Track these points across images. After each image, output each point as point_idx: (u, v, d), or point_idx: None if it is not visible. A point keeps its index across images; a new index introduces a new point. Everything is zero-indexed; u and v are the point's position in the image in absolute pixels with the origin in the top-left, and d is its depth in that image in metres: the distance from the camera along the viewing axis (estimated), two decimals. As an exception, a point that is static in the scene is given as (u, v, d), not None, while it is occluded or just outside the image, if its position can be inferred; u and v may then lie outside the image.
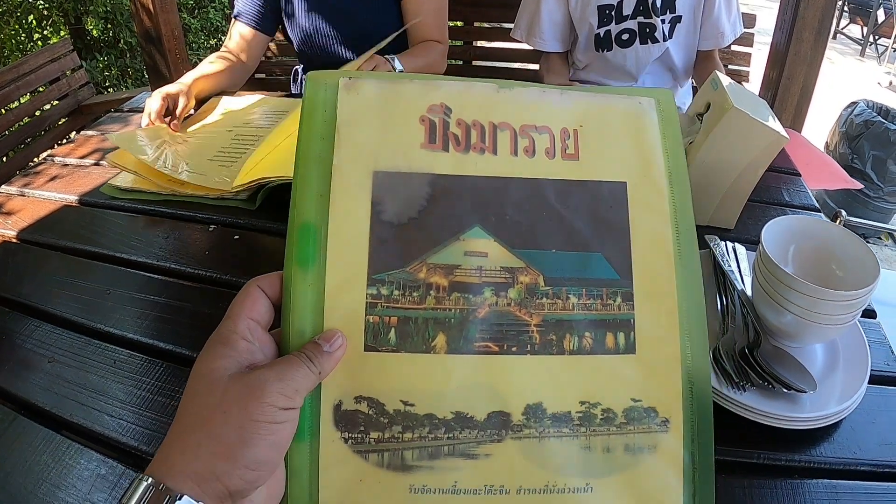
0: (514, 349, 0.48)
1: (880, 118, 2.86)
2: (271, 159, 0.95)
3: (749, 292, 0.68)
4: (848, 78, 5.30)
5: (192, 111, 1.22)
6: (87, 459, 0.56)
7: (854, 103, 3.01)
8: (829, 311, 0.58)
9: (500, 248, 0.50)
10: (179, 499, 0.37)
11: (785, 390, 0.58)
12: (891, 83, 5.27)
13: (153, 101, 1.13)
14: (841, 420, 0.60)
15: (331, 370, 0.45)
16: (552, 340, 0.49)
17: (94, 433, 0.59)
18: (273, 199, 0.93)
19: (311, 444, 0.46)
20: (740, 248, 0.76)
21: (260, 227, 0.89)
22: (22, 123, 2.04)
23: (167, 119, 1.14)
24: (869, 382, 0.61)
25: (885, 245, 2.96)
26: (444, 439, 0.46)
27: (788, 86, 1.59)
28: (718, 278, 0.71)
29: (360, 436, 0.46)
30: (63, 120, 2.14)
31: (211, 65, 1.34)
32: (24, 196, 1.03)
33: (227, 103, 1.25)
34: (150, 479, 0.38)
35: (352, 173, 0.50)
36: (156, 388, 0.63)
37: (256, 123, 1.15)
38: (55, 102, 2.10)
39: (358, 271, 0.48)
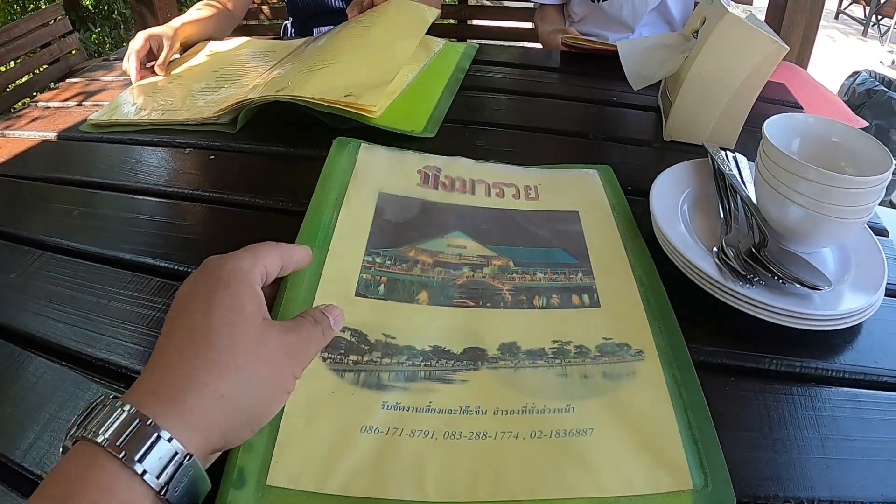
0: (488, 305, 0.54)
1: (883, 87, 2.83)
2: (259, 85, 0.92)
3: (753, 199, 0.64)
4: (850, 57, 5.26)
5: (177, 55, 1.19)
6: (40, 368, 0.52)
7: (856, 73, 2.98)
8: (839, 200, 0.54)
9: (477, 245, 0.61)
10: (188, 458, 0.34)
11: (797, 286, 0.53)
12: (893, 62, 5.23)
13: (136, 41, 1.09)
14: (858, 329, 0.56)
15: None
16: (523, 300, 0.55)
17: (47, 342, 0.55)
18: (255, 121, 0.90)
19: None
20: (741, 158, 0.72)
21: (237, 147, 0.85)
22: (11, 88, 2.01)
23: (150, 64, 1.11)
24: (885, 296, 0.57)
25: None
26: (422, 366, 0.48)
27: (789, 35, 1.56)
28: (718, 183, 0.67)
29: (339, 357, 0.47)
30: (53, 84, 2.11)
31: (198, 11, 1.31)
32: (4, 137, 1.00)
33: (214, 46, 1.22)
34: (152, 423, 0.33)
35: (362, 190, 0.65)
36: (111, 295, 0.60)
37: (242, 63, 1.12)
38: (45, 67, 2.07)
39: (358, 245, 0.58)
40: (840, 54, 5.30)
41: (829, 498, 0.43)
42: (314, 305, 0.52)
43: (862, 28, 6.08)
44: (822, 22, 1.70)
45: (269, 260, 0.46)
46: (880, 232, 0.71)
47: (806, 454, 0.46)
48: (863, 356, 0.54)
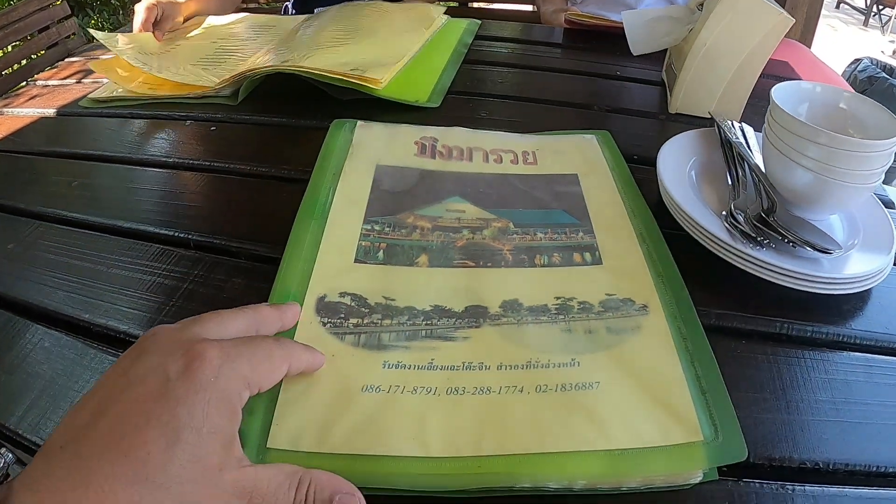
0: (489, 265, 0.54)
1: (885, 74, 2.81)
2: (260, 60, 0.91)
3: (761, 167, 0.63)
4: (851, 46, 5.24)
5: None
6: (37, 335, 0.51)
7: (858, 60, 2.97)
8: (849, 164, 0.53)
9: (476, 208, 0.61)
10: None
11: (807, 249, 0.52)
12: (894, 52, 5.22)
13: (138, 13, 1.08)
14: (868, 297, 0.56)
15: None
16: (524, 259, 0.55)
17: (44, 309, 0.54)
18: (256, 93, 0.89)
19: (288, 330, 0.46)
20: (748, 128, 0.71)
21: (238, 119, 0.84)
22: (9, 72, 1.99)
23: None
24: (895, 263, 0.56)
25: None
26: (423, 325, 0.48)
27: (793, 14, 1.54)
28: (726, 151, 0.66)
29: (339, 321, 0.47)
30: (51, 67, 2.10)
31: (200, -12, 1.29)
32: (2, 115, 0.99)
33: (212, 20, 1.20)
34: None
35: (359, 164, 0.66)
36: (109, 262, 0.59)
37: (241, 36, 1.10)
38: (42, 52, 2.05)
39: (356, 215, 0.59)
40: (841, 43, 5.29)
41: (844, 461, 0.42)
42: (313, 276, 0.52)
43: (863, 18, 6.06)
44: (824, 11, 1.68)
45: (268, 380, 0.38)
46: (888, 204, 0.70)
47: (820, 417, 0.45)
48: (873, 323, 0.54)
